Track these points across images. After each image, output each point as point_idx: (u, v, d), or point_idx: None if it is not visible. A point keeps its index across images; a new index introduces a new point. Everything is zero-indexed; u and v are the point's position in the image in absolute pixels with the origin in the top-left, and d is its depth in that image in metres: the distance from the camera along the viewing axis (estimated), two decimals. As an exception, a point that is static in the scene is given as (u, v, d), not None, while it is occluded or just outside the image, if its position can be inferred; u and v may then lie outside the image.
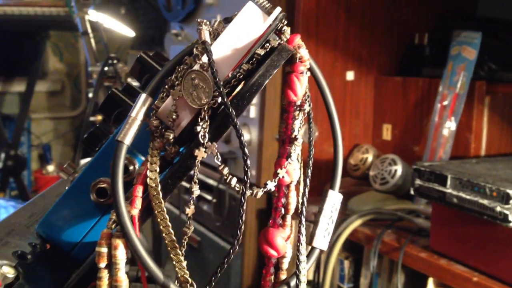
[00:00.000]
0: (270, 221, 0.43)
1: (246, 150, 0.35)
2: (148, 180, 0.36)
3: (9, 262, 0.38)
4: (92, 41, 1.38)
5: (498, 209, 0.72)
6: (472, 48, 1.02)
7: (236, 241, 0.36)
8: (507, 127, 1.10)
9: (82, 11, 1.44)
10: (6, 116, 2.87)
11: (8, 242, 0.40)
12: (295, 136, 0.41)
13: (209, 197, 1.49)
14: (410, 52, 1.33)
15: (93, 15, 1.52)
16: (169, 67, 0.38)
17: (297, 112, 0.41)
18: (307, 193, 0.44)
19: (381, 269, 1.04)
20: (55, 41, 2.97)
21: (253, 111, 1.33)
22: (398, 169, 1.11)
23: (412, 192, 0.86)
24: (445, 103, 1.08)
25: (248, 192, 0.37)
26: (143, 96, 0.37)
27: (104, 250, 0.35)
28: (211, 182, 1.48)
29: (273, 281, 0.45)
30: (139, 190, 0.36)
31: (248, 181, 0.36)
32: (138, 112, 0.36)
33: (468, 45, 1.03)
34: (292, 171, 0.42)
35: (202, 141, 0.35)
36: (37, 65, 2.76)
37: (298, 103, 0.42)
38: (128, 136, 0.36)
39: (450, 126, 1.05)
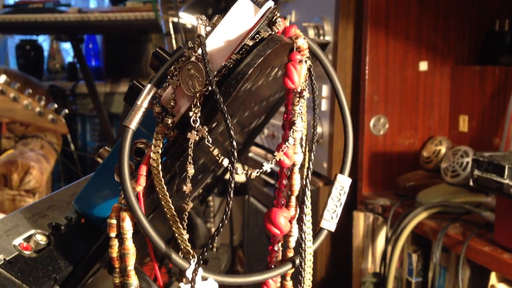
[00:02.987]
0: (275, 201, 0.46)
1: (231, 132, 0.38)
2: (150, 160, 0.41)
3: (43, 231, 0.44)
4: (174, 41, 1.47)
5: (555, 200, 0.68)
6: (548, 32, 0.95)
7: (225, 214, 0.39)
8: None
9: (166, 14, 1.55)
10: (114, 115, 3.13)
11: (46, 215, 0.47)
12: (294, 121, 0.43)
13: (272, 181, 1.53)
14: (489, 39, 1.26)
15: (183, 16, 1.62)
16: (173, 60, 0.42)
17: (297, 98, 0.44)
18: (310, 175, 0.46)
19: (449, 263, 1.01)
20: (157, 43, 3.17)
21: (324, 104, 1.35)
22: (470, 161, 1.07)
23: (471, 183, 0.83)
24: (522, 91, 1.02)
25: (242, 172, 0.41)
26: (148, 86, 0.41)
27: (114, 221, 0.41)
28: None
29: (281, 258, 0.47)
30: (143, 170, 0.41)
31: (236, 160, 0.39)
32: (143, 100, 0.41)
33: (544, 29, 0.97)
34: (293, 154, 0.44)
35: (193, 125, 0.39)
36: (138, 66, 2.98)
37: (298, 90, 0.44)
38: (134, 121, 0.41)
39: (524, 115, 0.99)
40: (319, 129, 1.37)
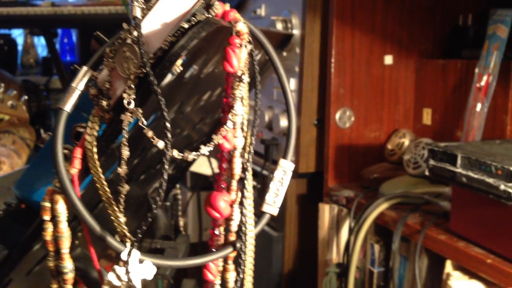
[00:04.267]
0: (215, 185, 0.47)
1: (165, 114, 0.38)
2: (85, 143, 0.41)
3: (-20, 216, 0.44)
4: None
5: (502, 187, 0.69)
6: (504, 26, 0.97)
7: (158, 199, 0.39)
8: (549, 108, 1.04)
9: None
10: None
11: (-15, 200, 0.47)
12: (233, 105, 0.44)
13: (254, 183, 1.54)
14: (453, 34, 1.28)
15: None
16: (110, 42, 0.42)
17: (236, 82, 0.44)
18: (251, 159, 0.46)
19: (409, 253, 1.03)
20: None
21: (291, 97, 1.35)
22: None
23: (426, 173, 0.85)
24: (481, 84, 1.04)
25: (179, 154, 0.41)
26: (84, 68, 0.41)
27: (48, 204, 0.41)
28: (256, 168, 1.52)
29: (223, 242, 0.48)
30: (78, 152, 0.41)
31: (170, 143, 0.40)
32: (78, 82, 0.41)
33: (501, 23, 0.99)
34: (233, 138, 0.44)
35: (126, 107, 0.39)
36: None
37: (238, 74, 0.44)
38: (68, 104, 0.40)
39: (482, 107, 1.01)
40: (285, 122, 1.38)
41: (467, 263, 0.82)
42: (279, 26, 1.37)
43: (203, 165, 1.56)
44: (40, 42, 3.41)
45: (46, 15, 2.53)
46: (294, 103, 1.34)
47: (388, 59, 1.28)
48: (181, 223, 1.49)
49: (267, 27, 1.37)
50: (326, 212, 1.23)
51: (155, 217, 0.88)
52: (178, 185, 1.47)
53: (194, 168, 1.48)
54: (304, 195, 1.38)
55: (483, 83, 1.04)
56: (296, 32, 1.33)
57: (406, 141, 1.23)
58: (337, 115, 1.26)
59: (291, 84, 1.35)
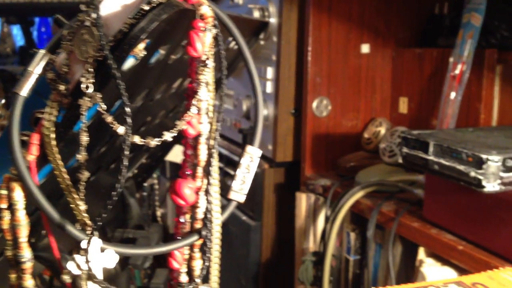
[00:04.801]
0: (180, 171, 0.46)
1: (125, 98, 0.38)
2: (43, 129, 0.39)
3: None
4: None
5: (472, 174, 0.70)
6: (478, 14, 0.98)
7: (118, 186, 0.38)
8: (522, 96, 1.05)
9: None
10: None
11: None
12: (197, 90, 0.43)
13: (232, 172, 1.53)
14: (430, 22, 1.28)
15: None
16: (69, 25, 0.41)
17: (201, 67, 0.43)
18: (216, 145, 0.45)
19: (383, 241, 1.03)
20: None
21: (269, 86, 1.35)
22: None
23: (400, 160, 0.85)
24: (455, 73, 1.05)
25: (140, 140, 0.40)
26: (42, 52, 0.40)
27: (4, 192, 0.39)
28: (235, 158, 1.51)
29: (189, 230, 0.47)
30: (35, 138, 0.40)
31: (130, 127, 0.39)
32: (35, 66, 0.40)
33: (475, 12, 0.99)
34: (197, 124, 0.43)
35: (84, 91, 0.38)
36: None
37: (203, 58, 0.43)
38: (25, 88, 0.39)
39: (456, 96, 1.01)
40: (264, 112, 1.37)
41: (439, 250, 0.83)
42: (256, 14, 1.36)
43: (180, 155, 1.55)
44: (17, 31, 3.34)
45: (22, 3, 2.48)
46: (271, 91, 1.33)
47: (365, 48, 1.28)
48: (159, 213, 1.48)
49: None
50: (303, 201, 1.23)
51: (128, 206, 0.87)
52: (155, 175, 1.45)
53: (171, 157, 1.46)
54: (281, 184, 1.37)
55: (457, 71, 1.04)
56: (273, 20, 1.32)
57: (383, 130, 1.23)
58: (314, 104, 1.25)
59: (268, 73, 1.34)
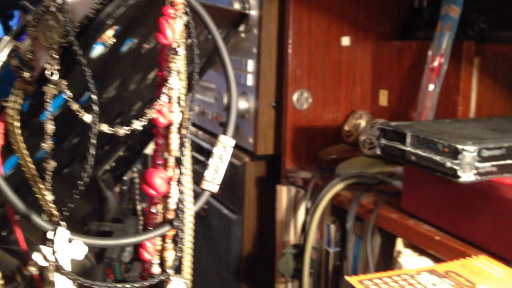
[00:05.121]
0: (151, 161, 0.45)
1: (91, 86, 0.37)
2: (6, 117, 0.38)
3: None
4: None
5: (448, 164, 0.70)
6: (456, 6, 0.98)
7: (85, 175, 0.37)
8: (499, 89, 1.06)
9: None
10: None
11: None
12: (167, 78, 0.42)
13: (202, 158, 1.53)
14: (410, 15, 1.29)
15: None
16: (34, 11, 0.40)
17: (171, 55, 0.42)
18: (188, 135, 0.45)
19: (363, 232, 1.03)
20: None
21: (250, 79, 1.34)
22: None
23: (378, 152, 0.85)
24: (434, 65, 1.05)
25: (108, 129, 0.39)
26: (5, 39, 0.39)
27: (-32, 181, 0.38)
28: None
29: (161, 220, 0.46)
30: (-1, 126, 0.39)
31: (97, 115, 0.38)
32: (-1, 53, 0.39)
33: (454, 4, 1.00)
34: (169, 113, 0.43)
35: (49, 78, 0.37)
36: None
37: (174, 46, 0.43)
38: (-12, 75, 0.38)
39: (434, 88, 1.02)
40: (244, 104, 1.37)
41: (417, 241, 0.83)
42: (237, 6, 1.36)
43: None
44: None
45: (0, -4, 2.43)
46: (252, 84, 1.33)
47: (345, 41, 1.28)
48: (139, 207, 1.46)
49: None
50: (283, 194, 1.23)
51: (105, 199, 0.86)
52: (135, 169, 1.44)
53: (150, 151, 1.45)
54: (263, 178, 1.37)
55: (436, 64, 1.04)
56: (254, 12, 1.31)
57: (363, 122, 1.24)
58: (295, 97, 1.25)
59: (249, 66, 1.34)
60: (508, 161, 0.71)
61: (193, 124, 1.78)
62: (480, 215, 0.72)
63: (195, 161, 1.71)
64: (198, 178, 1.51)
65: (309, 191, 1.12)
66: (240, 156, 1.39)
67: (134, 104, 0.74)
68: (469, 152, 0.68)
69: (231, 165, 1.41)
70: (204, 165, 1.50)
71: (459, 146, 0.68)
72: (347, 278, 0.46)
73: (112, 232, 0.76)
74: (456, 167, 0.69)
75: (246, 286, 1.39)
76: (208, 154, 1.58)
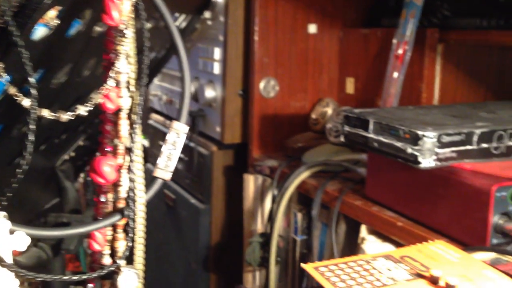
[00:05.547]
0: (99, 148, 0.43)
1: (28, 68, 0.35)
2: None
3: None
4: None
5: (409, 150, 0.70)
6: (420, -7, 0.98)
7: (24, 162, 0.36)
8: (463, 76, 1.07)
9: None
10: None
11: None
12: (114, 62, 0.40)
13: (181, 155, 1.51)
14: (376, 3, 1.29)
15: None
16: (-31, -9, 0.38)
17: (118, 37, 0.41)
18: (138, 120, 0.43)
19: (329, 220, 1.03)
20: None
21: (217, 67, 1.32)
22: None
23: (342, 139, 0.85)
24: (398, 52, 1.05)
25: (50, 114, 0.37)
26: None
27: None
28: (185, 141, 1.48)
29: (111, 210, 0.45)
30: None
31: (36, 100, 0.36)
32: None
33: (417, -10, 1.00)
34: (117, 98, 0.41)
35: (-16, 61, 0.35)
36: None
37: (121, 28, 0.41)
38: None
39: (398, 75, 1.02)
40: (211, 93, 1.35)
41: (380, 227, 0.84)
42: (203, -7, 1.33)
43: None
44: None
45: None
46: (219, 73, 1.31)
47: (312, 28, 1.28)
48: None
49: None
50: (250, 182, 1.22)
51: (64, 190, 0.84)
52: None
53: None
54: (230, 167, 1.36)
55: (400, 51, 1.05)
56: (220, -1, 1.30)
57: (330, 110, 1.23)
58: (261, 85, 1.24)
59: (216, 54, 1.32)
60: (468, 147, 0.71)
61: (161, 113, 1.75)
62: (441, 200, 0.73)
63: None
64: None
65: (276, 180, 1.12)
66: (208, 145, 1.37)
67: (90, 91, 0.72)
68: (429, 138, 0.68)
69: (198, 154, 1.40)
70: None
71: (420, 132, 0.69)
72: (303, 265, 0.45)
73: (69, 224, 0.74)
74: (416, 153, 0.69)
75: (215, 275, 1.39)
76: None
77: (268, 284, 1.09)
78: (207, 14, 1.33)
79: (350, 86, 1.27)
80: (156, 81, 1.74)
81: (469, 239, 0.69)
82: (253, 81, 1.23)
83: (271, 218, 1.09)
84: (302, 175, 1.05)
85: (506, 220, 0.67)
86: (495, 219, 0.66)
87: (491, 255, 0.58)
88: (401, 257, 0.47)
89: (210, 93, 1.35)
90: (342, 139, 0.85)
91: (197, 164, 1.40)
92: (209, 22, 1.35)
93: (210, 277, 1.39)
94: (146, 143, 1.80)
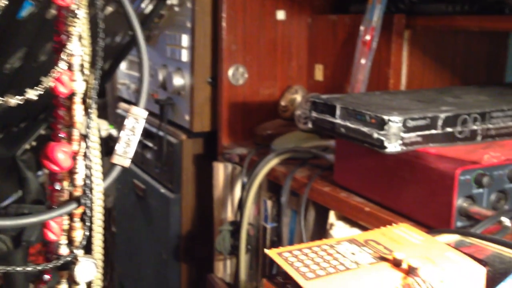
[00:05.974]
0: (52, 134, 0.42)
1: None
2: None
3: None
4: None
5: (375, 135, 0.70)
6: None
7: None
8: (429, 61, 1.08)
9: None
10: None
11: None
12: (66, 44, 0.39)
13: (151, 145, 1.49)
14: (344, -11, 1.28)
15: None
16: None
17: (70, 18, 0.39)
18: (93, 106, 0.42)
19: (298, 207, 1.03)
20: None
21: (185, 54, 1.30)
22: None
23: (310, 125, 0.84)
24: (366, 38, 1.05)
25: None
26: None
27: None
28: (152, 129, 1.47)
29: (67, 198, 0.43)
30: None
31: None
32: None
33: (384, -24, 0.99)
34: (69, 82, 0.40)
35: None
36: None
37: (73, 8, 0.39)
38: None
39: (365, 61, 1.02)
40: (179, 81, 1.33)
41: (348, 213, 0.84)
42: (169, -22, 1.31)
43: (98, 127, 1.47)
44: None
45: None
46: (187, 60, 1.29)
47: (280, 14, 1.27)
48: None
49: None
50: (220, 170, 1.21)
51: (26, 180, 0.81)
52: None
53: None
54: (200, 155, 1.35)
55: (367, 37, 1.04)
56: (187, -15, 1.27)
57: (299, 97, 1.23)
58: (230, 72, 1.23)
59: (184, 41, 1.30)
60: (433, 131, 0.71)
61: (129, 102, 1.73)
62: (407, 185, 0.73)
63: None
64: (137, 158, 1.45)
65: (245, 167, 1.11)
66: (177, 134, 1.36)
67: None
68: (395, 122, 0.69)
69: (167, 143, 1.38)
70: (142, 145, 1.46)
71: (385, 117, 0.69)
72: (266, 251, 0.45)
73: (30, 214, 0.72)
74: (382, 138, 0.69)
75: (185, 265, 1.38)
76: (145, 133, 1.53)
77: (239, 272, 1.09)
78: (173, 0, 1.31)
79: (319, 73, 1.26)
80: (124, 69, 1.71)
81: (434, 223, 0.69)
82: (222, 69, 1.22)
83: (241, 206, 1.09)
84: (271, 163, 1.04)
85: (470, 203, 0.67)
86: (459, 202, 0.67)
87: (455, 237, 0.58)
88: (365, 240, 0.47)
89: (178, 81, 1.33)
90: (310, 125, 0.84)
91: (166, 153, 1.38)
92: (176, 9, 1.33)
93: (181, 267, 1.38)
94: (115, 132, 1.77)
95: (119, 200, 1.77)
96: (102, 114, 1.85)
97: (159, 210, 1.43)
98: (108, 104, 1.85)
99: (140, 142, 1.55)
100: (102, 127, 1.47)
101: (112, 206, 1.89)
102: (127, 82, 1.69)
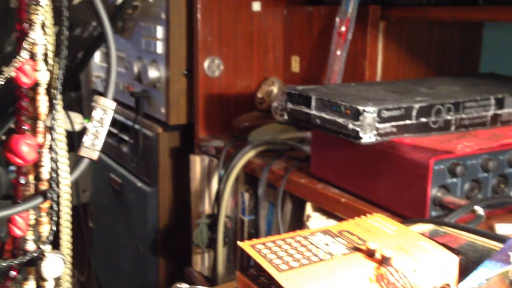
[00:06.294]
0: (16, 126, 0.40)
1: None
2: None
3: None
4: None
5: (350, 126, 0.70)
6: (360, -31, 0.98)
7: None
8: (404, 53, 1.08)
9: None
10: None
11: None
12: (28, 33, 0.37)
13: (126, 138, 1.47)
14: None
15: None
16: None
17: (32, 5, 0.37)
18: (58, 96, 0.40)
19: (275, 199, 1.03)
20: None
21: (160, 46, 1.28)
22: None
23: (286, 116, 0.84)
24: (341, 30, 1.05)
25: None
26: None
27: None
28: (128, 123, 1.45)
29: (33, 192, 0.42)
30: None
31: None
32: None
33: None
34: (32, 72, 0.38)
35: None
36: None
37: (35, -3, 0.38)
38: None
39: (341, 53, 1.02)
40: (155, 73, 1.31)
41: (325, 204, 0.84)
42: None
43: (74, 123, 1.45)
44: None
45: None
46: (162, 52, 1.27)
47: (256, 6, 1.26)
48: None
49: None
50: (197, 163, 1.20)
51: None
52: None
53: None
54: (177, 148, 1.34)
55: (343, 28, 1.04)
56: (161, -24, 1.25)
57: (275, 89, 1.22)
58: (206, 64, 1.22)
59: (158, 33, 1.28)
60: (407, 121, 0.72)
61: (103, 95, 1.70)
62: (382, 175, 0.73)
63: (107, 134, 1.64)
64: (112, 151, 1.43)
65: (222, 160, 1.10)
66: (153, 127, 1.34)
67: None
68: (370, 113, 0.68)
69: (143, 136, 1.36)
70: (118, 138, 1.43)
71: (360, 108, 0.68)
72: (239, 243, 0.44)
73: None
74: (357, 128, 0.69)
75: (163, 259, 1.37)
76: (121, 126, 1.51)
77: (216, 266, 1.09)
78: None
79: (295, 64, 1.26)
80: (98, 61, 1.68)
81: (409, 212, 0.70)
82: (197, 61, 1.21)
83: (218, 199, 1.08)
84: (248, 155, 1.03)
85: (444, 192, 0.68)
86: (433, 191, 0.67)
87: (430, 227, 0.59)
88: (339, 231, 0.47)
89: (153, 73, 1.31)
90: (286, 117, 0.84)
91: (142, 146, 1.37)
92: (151, 0, 1.31)
93: (159, 261, 1.37)
94: (90, 126, 1.74)
95: (95, 194, 1.74)
96: (77, 108, 1.81)
97: (136, 204, 1.41)
98: (83, 98, 1.82)
99: (116, 135, 1.53)
100: (76, 121, 1.44)
101: (88, 201, 1.86)
102: (102, 75, 1.67)
